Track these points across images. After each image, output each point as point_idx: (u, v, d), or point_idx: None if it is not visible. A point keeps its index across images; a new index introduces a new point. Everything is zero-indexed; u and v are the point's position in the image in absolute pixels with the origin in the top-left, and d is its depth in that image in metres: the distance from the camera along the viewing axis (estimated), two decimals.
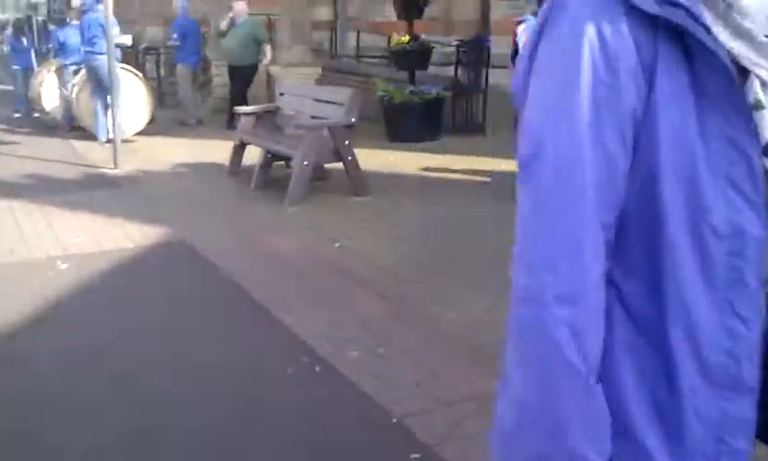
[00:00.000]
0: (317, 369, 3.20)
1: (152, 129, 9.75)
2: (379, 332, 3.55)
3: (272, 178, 6.72)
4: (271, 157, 6.67)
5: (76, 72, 9.70)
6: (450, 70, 9.83)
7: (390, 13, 12.59)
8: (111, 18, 8.01)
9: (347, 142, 6.21)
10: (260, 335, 3.62)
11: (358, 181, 6.31)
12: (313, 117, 6.56)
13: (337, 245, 4.91)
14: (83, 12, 9.47)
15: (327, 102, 6.73)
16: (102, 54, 8.16)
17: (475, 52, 9.05)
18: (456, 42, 9.38)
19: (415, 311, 3.85)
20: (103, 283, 4.30)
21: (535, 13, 5.76)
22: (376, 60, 13.10)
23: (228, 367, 3.26)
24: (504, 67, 9.79)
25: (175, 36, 10.71)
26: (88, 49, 8.89)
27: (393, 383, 3.06)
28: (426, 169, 7.36)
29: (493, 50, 9.17)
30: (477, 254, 4.67)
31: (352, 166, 6.28)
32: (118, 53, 8.76)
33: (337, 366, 3.21)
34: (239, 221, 5.64)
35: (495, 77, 9.26)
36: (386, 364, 3.24)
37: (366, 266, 4.51)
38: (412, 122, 8.63)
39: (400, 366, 3.22)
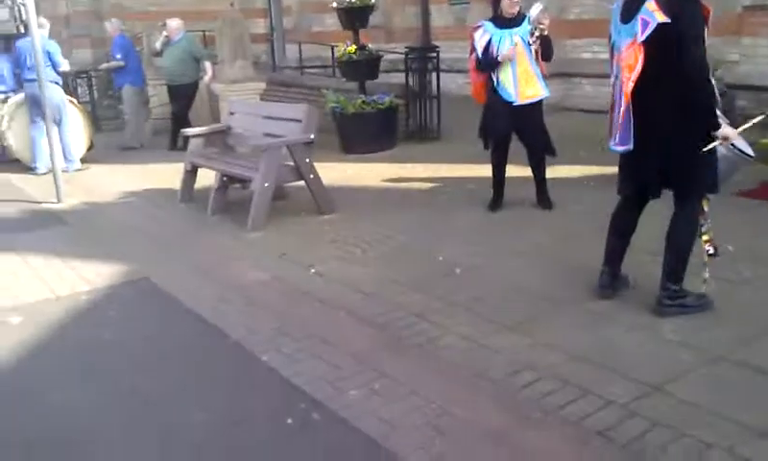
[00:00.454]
0: (315, 416, 2.95)
1: (92, 156, 9.27)
2: (376, 366, 3.32)
3: (229, 201, 6.41)
4: (227, 179, 6.36)
5: (3, 101, 9.14)
6: (396, 78, 9.69)
7: (330, 23, 12.37)
8: (52, 43, 7.59)
9: (307, 160, 5.96)
10: (246, 381, 3.33)
11: (322, 199, 6.06)
12: (267, 135, 6.26)
13: (312, 271, 4.64)
14: (17, 37, 8.95)
15: (281, 119, 6.44)
16: (46, 80, 7.66)
17: (425, 58, 8.91)
18: (405, 49, 9.23)
19: (408, 338, 3.62)
20: (62, 335, 3.92)
21: (491, 19, 5.63)
22: (319, 70, 12.88)
23: (217, 422, 2.96)
24: (453, 72, 9.76)
25: (119, 56, 10.27)
26: (30, 77, 8.31)
27: (399, 424, 2.84)
28: (388, 180, 7.17)
29: (442, 55, 9.07)
30: (460, 269, 4.49)
31: (315, 184, 6.02)
32: (60, 79, 8.35)
33: (337, 410, 2.96)
34: (202, 252, 5.30)
35: (444, 82, 9.17)
36: (389, 402, 3.01)
37: (347, 292, 4.26)
38: (367, 132, 8.43)
39: (404, 402, 3.00)
